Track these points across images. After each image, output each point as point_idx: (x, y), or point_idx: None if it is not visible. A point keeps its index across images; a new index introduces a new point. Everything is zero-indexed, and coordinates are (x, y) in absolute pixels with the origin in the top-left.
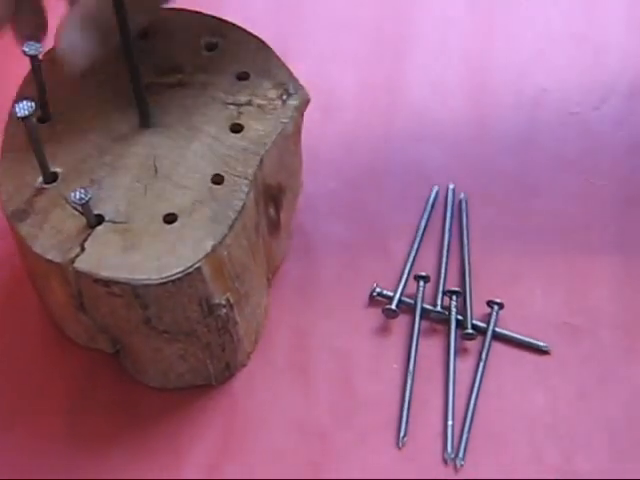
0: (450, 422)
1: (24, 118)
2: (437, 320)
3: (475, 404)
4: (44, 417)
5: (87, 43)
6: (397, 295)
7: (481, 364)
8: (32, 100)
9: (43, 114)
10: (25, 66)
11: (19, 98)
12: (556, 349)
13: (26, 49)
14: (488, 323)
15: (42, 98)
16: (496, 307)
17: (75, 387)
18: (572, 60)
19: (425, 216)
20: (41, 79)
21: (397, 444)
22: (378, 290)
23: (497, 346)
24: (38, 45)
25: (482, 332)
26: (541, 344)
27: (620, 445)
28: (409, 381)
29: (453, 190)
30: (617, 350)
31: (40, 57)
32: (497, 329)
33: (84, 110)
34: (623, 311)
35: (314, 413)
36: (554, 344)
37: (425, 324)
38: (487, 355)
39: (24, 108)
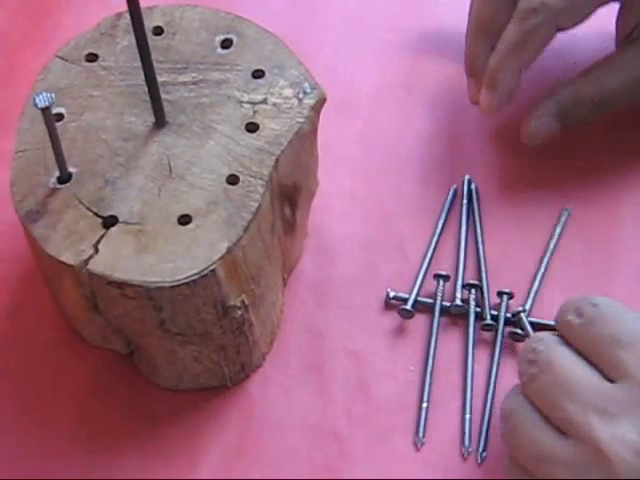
0: (468, 416)
1: (44, 109)
2: (455, 315)
3: (493, 397)
4: (57, 417)
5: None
6: (413, 296)
7: (496, 353)
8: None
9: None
10: (34, 69)
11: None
12: None
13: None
14: (499, 311)
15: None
16: (505, 297)
17: (89, 387)
18: (590, 56)
19: (443, 215)
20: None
21: (415, 445)
22: (393, 294)
23: (517, 346)
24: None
25: (509, 324)
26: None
27: None
28: (427, 381)
29: (469, 181)
30: None
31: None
32: (514, 317)
33: (98, 110)
34: None
35: (330, 415)
36: None
37: (442, 321)
38: (502, 343)
39: (44, 99)
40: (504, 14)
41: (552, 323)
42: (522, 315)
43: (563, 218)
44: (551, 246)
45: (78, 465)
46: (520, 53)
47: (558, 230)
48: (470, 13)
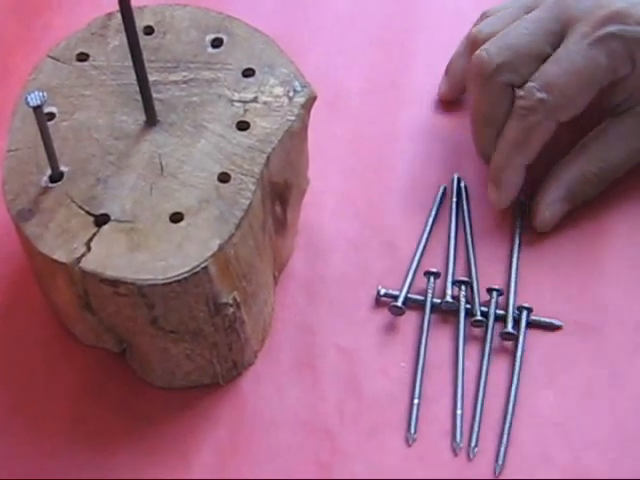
0: (459, 411)
1: (36, 108)
2: (445, 311)
3: (484, 393)
4: (50, 416)
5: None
6: (403, 293)
7: (487, 349)
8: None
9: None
10: (26, 69)
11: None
12: (565, 345)
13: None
14: (489, 308)
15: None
16: (495, 293)
17: (81, 386)
18: None
19: (432, 213)
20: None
21: (406, 441)
22: (384, 291)
23: (507, 343)
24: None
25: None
26: (555, 322)
27: (630, 444)
28: (418, 377)
29: (459, 179)
30: (626, 347)
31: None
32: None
33: (89, 109)
34: (631, 307)
35: (322, 411)
36: (563, 340)
37: (433, 317)
38: (492, 339)
39: (36, 98)
40: (503, 107)
41: (551, 321)
42: (524, 312)
43: (521, 209)
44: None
45: (71, 463)
46: (522, 151)
47: (518, 222)
48: (472, 105)
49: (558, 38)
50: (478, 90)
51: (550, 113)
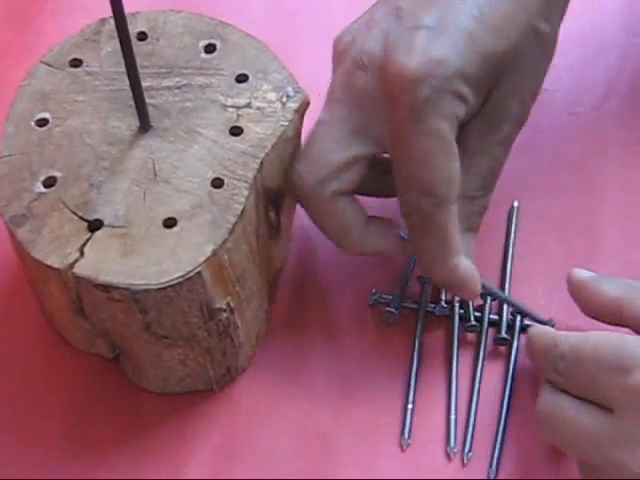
0: (453, 416)
1: None
2: (439, 317)
3: (478, 398)
4: (43, 423)
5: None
6: (397, 298)
7: (481, 354)
8: None
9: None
10: (18, 75)
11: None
12: None
13: None
14: (482, 313)
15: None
16: (489, 298)
17: (74, 392)
18: (572, 60)
19: None
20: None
21: (400, 446)
22: (376, 296)
23: (500, 349)
24: None
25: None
26: (547, 320)
27: None
28: (412, 382)
29: None
30: None
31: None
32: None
33: (83, 114)
34: None
35: (316, 416)
36: None
37: (426, 322)
38: (486, 344)
39: None
40: (348, 214)
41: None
42: (518, 317)
43: (514, 214)
44: (510, 243)
45: (63, 470)
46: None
47: (513, 227)
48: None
49: (363, 129)
50: (310, 211)
51: (436, 206)
